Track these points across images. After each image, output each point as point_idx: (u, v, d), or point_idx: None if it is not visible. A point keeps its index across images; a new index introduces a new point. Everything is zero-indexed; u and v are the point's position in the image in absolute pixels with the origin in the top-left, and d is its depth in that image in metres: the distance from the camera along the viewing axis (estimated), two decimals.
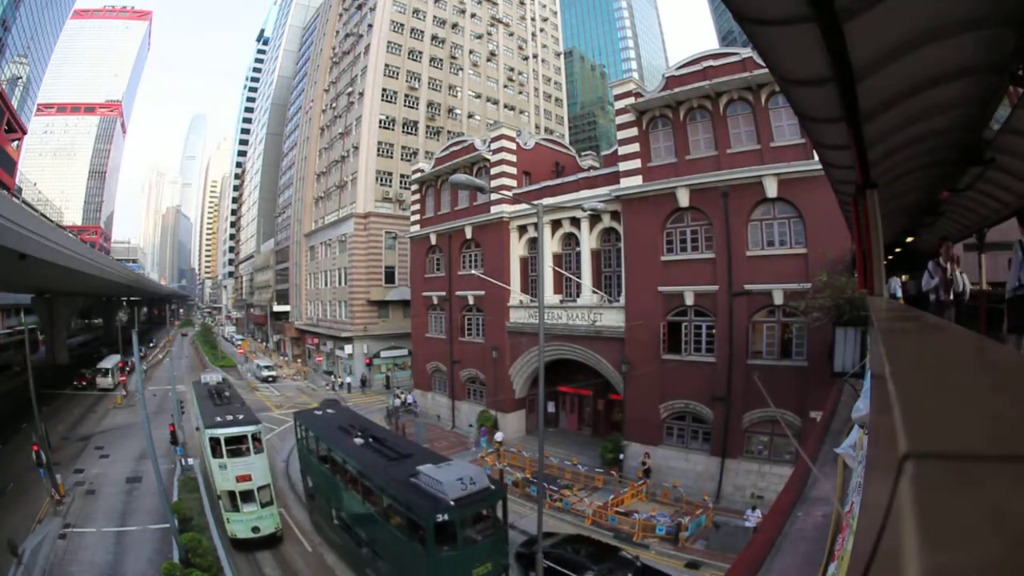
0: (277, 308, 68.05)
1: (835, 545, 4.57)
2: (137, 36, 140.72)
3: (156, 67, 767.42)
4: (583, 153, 36.23)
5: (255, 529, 17.37)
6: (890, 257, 13.38)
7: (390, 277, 45.18)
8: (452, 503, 12.40)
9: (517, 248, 28.61)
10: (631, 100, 22.12)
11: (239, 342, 79.53)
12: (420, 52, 49.46)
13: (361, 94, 47.07)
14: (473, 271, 29.82)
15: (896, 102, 3.62)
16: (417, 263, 35.84)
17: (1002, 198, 7.17)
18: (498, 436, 26.64)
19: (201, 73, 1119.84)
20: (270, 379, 49.10)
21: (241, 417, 19.80)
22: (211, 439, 18.68)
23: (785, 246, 19.19)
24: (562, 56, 70.89)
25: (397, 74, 47.38)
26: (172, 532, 16.22)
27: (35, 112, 71.64)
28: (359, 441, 17.03)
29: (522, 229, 28.44)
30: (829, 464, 7.72)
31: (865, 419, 4.22)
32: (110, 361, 46.39)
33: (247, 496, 17.65)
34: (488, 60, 55.90)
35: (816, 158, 7.72)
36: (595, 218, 24.59)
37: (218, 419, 19.57)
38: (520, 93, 59.52)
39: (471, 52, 54.27)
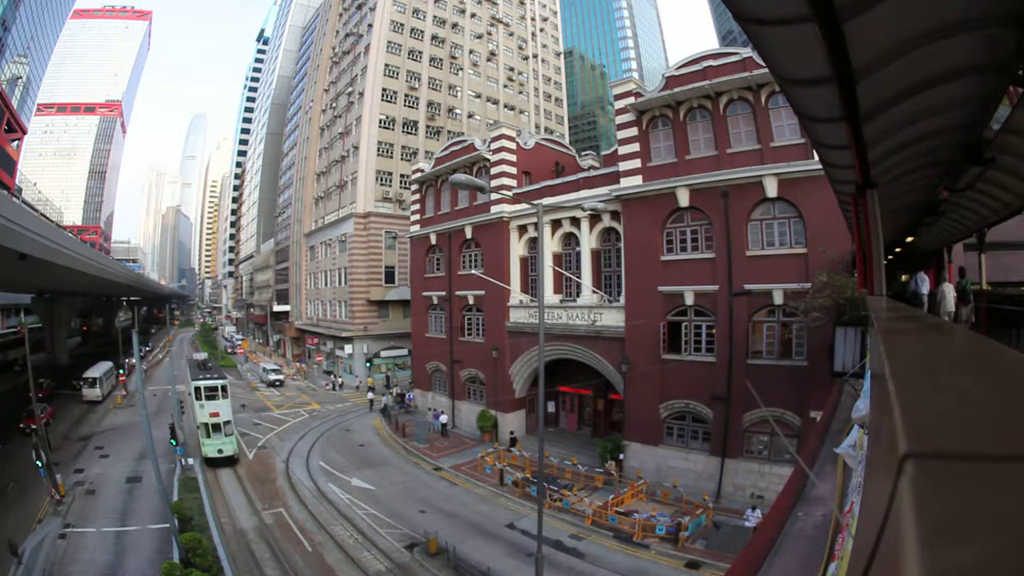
0: (277, 308, 68.05)
1: (835, 545, 4.57)
2: (137, 36, 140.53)
3: (156, 67, 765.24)
4: (583, 153, 36.22)
5: (220, 451, 25.28)
6: (890, 257, 13.39)
7: (390, 277, 45.18)
8: None
9: (517, 248, 28.61)
10: (631, 100, 22.12)
11: (239, 342, 79.36)
12: (420, 52, 49.46)
13: (361, 94, 47.07)
14: (473, 271, 29.81)
15: (896, 102, 3.62)
16: (417, 263, 35.83)
17: (1002, 198, 7.18)
18: (443, 418, 31.19)
19: (201, 73, 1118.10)
20: (277, 383, 46.78)
21: (215, 376, 28.37)
22: (195, 388, 26.78)
23: (785, 246, 19.18)
24: (562, 56, 70.87)
25: (397, 74, 47.37)
26: (172, 532, 16.23)
27: (35, 112, 71.61)
28: None
29: (522, 229, 28.44)
30: (829, 464, 7.72)
31: (865, 419, 4.21)
32: (99, 369, 40.66)
33: (216, 428, 25.59)
34: (488, 60, 55.89)
35: (816, 158, 7.71)
36: (595, 218, 24.59)
37: (201, 376, 28.07)
38: (520, 93, 59.51)
39: (471, 52, 54.25)
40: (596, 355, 24.14)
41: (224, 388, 27.10)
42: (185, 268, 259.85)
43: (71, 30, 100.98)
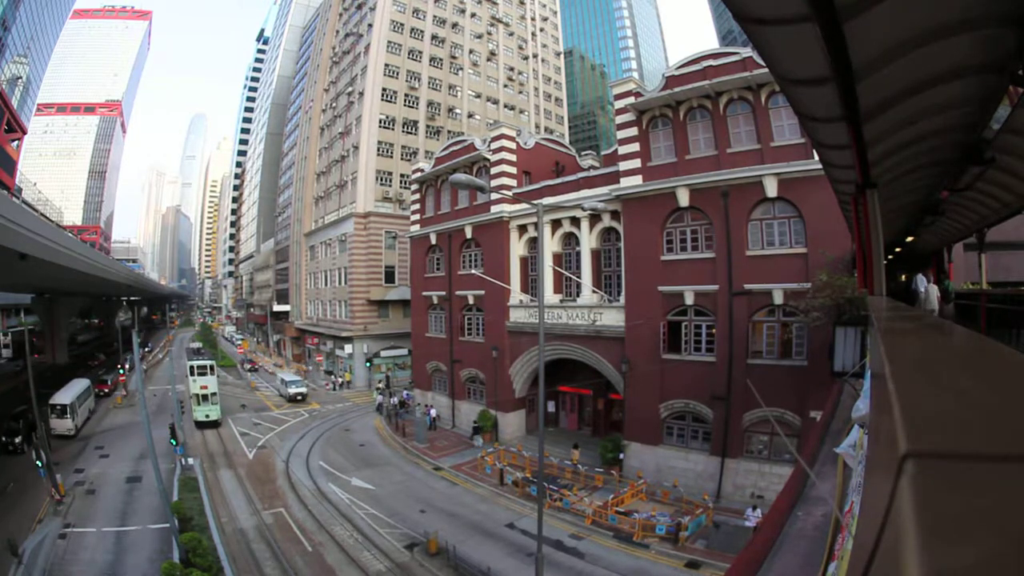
0: (277, 308, 68.03)
1: (835, 545, 4.57)
2: (137, 36, 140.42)
3: (156, 67, 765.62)
4: (583, 153, 36.20)
5: (207, 416, 32.57)
6: (890, 257, 13.43)
7: (390, 277, 45.17)
8: None
9: (517, 248, 28.60)
10: (631, 100, 22.11)
11: (239, 341, 79.54)
12: (420, 52, 49.44)
13: (361, 94, 47.06)
14: (473, 271, 29.81)
15: (896, 102, 3.62)
16: (417, 263, 35.82)
17: (1002, 198, 7.18)
18: (433, 412, 32.52)
19: (201, 73, 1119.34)
20: (299, 398, 39.91)
21: (206, 358, 36.56)
22: (190, 366, 34.48)
23: (785, 246, 19.17)
24: (562, 56, 70.84)
25: (397, 74, 47.36)
26: (172, 532, 16.23)
27: (35, 112, 71.55)
28: None
29: (522, 229, 28.43)
30: (829, 464, 7.72)
31: (865, 419, 4.21)
32: (69, 392, 30.87)
33: (204, 398, 32.76)
34: (488, 60, 55.87)
35: (816, 158, 7.72)
36: (595, 218, 24.58)
37: (195, 358, 36.01)
38: (520, 93, 59.48)
39: (471, 52, 54.24)
40: (596, 355, 24.14)
41: (212, 367, 34.41)
42: (185, 268, 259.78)
43: (71, 30, 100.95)
